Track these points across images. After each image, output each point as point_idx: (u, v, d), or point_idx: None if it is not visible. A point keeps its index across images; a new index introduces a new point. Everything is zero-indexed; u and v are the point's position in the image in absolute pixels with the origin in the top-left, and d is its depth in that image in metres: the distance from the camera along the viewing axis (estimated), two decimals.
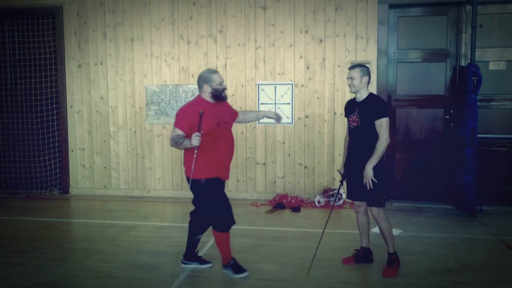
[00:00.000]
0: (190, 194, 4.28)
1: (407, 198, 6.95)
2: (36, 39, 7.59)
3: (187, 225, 4.49)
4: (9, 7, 7.53)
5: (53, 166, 7.74)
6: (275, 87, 7.04)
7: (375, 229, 5.59)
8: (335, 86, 6.90)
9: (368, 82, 4.29)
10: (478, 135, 6.31)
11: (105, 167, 7.60)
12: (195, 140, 3.89)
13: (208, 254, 4.84)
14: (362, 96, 4.30)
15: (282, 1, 6.94)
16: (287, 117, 7.02)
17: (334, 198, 6.67)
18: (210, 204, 4.17)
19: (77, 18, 7.45)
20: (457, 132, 6.49)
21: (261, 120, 7.01)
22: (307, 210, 6.65)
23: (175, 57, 7.27)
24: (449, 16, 6.71)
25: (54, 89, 7.62)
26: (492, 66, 6.69)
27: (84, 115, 7.58)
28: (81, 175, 7.68)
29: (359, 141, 4.28)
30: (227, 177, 4.29)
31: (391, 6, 6.73)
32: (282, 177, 7.14)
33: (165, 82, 7.32)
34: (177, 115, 4.14)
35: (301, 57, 6.97)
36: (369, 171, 4.16)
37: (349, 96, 6.07)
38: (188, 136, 4.01)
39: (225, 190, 4.33)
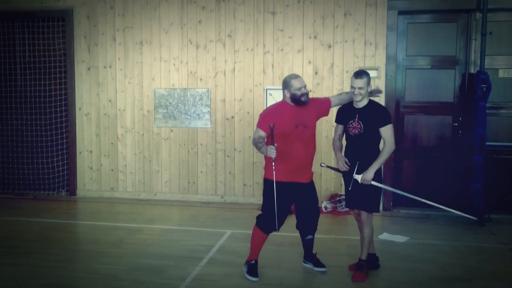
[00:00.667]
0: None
1: (414, 205, 6.88)
2: (46, 42, 7.64)
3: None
4: (20, 10, 7.59)
5: (60, 168, 7.77)
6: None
7: (382, 236, 5.58)
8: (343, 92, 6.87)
9: None
10: (486, 143, 6.26)
11: (112, 170, 7.62)
12: (271, 152, 4.02)
13: (215, 258, 4.83)
14: (363, 102, 4.28)
15: (291, 7, 6.95)
16: None
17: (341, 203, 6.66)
18: (268, 202, 4.25)
19: (87, 21, 7.50)
20: (466, 139, 6.45)
21: None
22: None
23: (184, 61, 7.29)
24: (458, 23, 6.68)
25: (63, 91, 7.66)
26: (501, 74, 6.64)
27: (92, 118, 7.62)
28: (89, 177, 7.71)
29: (361, 147, 4.27)
30: (305, 180, 4.32)
31: (400, 13, 6.71)
32: None
33: (173, 85, 7.34)
34: (260, 116, 4.31)
35: (309, 62, 6.97)
36: (370, 175, 4.17)
37: None
38: (268, 137, 4.19)
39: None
